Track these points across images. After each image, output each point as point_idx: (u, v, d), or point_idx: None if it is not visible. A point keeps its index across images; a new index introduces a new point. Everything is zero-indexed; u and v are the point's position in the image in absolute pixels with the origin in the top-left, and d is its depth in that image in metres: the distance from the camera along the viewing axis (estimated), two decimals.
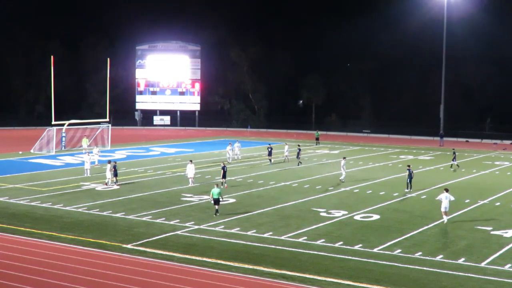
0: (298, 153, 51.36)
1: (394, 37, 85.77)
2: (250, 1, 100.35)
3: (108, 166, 38.70)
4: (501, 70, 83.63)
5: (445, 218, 28.95)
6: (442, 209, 28.85)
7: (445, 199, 28.79)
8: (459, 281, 20.47)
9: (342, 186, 39.28)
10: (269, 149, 51.12)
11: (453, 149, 52.98)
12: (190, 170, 38.82)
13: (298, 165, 49.67)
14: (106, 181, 38.66)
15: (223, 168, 38.69)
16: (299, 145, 54.81)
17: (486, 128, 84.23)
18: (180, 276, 20.59)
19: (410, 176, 37.52)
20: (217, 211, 29.65)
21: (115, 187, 37.78)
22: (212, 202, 29.82)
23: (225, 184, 38.46)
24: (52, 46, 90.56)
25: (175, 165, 48.82)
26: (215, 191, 29.56)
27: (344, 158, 43.72)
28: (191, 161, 39.82)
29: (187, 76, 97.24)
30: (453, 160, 49.84)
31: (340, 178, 41.15)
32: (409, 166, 38.71)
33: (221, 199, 29.97)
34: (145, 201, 33.57)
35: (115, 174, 38.36)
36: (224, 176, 38.45)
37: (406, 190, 37.41)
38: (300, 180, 41.61)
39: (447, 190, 29.22)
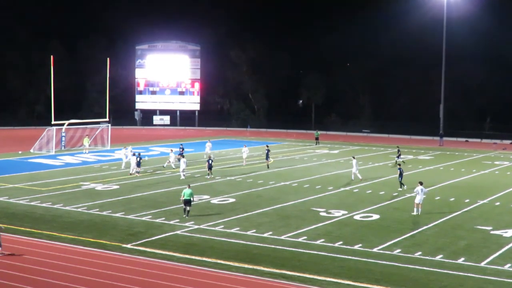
0: (267, 155, 47.65)
1: (394, 37, 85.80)
2: (250, 1, 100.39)
3: (133, 158, 43.17)
4: (501, 70, 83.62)
5: (419, 211, 30.39)
6: (417, 201, 30.48)
7: (420, 191, 30.43)
8: (459, 281, 20.48)
9: (342, 186, 39.31)
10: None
11: (397, 146, 55.28)
12: (182, 165, 41.71)
13: (268, 167, 46.72)
14: (131, 171, 43.08)
15: (208, 161, 42.35)
16: (267, 146, 50.41)
17: (485, 128, 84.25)
18: (180, 276, 20.60)
19: (401, 175, 38.08)
20: (187, 212, 29.13)
21: (135, 174, 42.74)
22: (182, 202, 29.34)
23: (211, 175, 41.88)
24: (51, 46, 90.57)
25: (175, 165, 48.75)
26: (187, 191, 29.19)
27: (354, 157, 43.58)
28: (183, 156, 43.70)
29: (187, 76, 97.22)
30: (397, 158, 50.69)
31: (359, 178, 41.44)
32: (399, 165, 39.77)
33: (192, 200, 29.49)
34: (145, 201, 33.58)
35: (138, 165, 42.89)
36: (209, 168, 41.82)
37: (400, 189, 37.58)
38: (300, 180, 41.61)
39: (421, 183, 30.82)
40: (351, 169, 42.21)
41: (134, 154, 43.58)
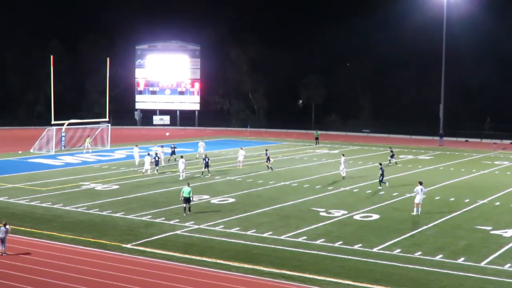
0: (267, 157, 46.65)
1: (393, 37, 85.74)
2: (250, 1, 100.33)
3: (148, 158, 43.06)
4: (501, 70, 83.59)
5: (419, 211, 30.42)
6: (417, 201, 30.53)
7: (420, 191, 30.49)
8: (459, 281, 20.49)
9: (342, 186, 39.32)
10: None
11: (390, 147, 55.54)
12: (181, 165, 41.15)
13: (270, 169, 45.66)
14: (143, 170, 43.23)
15: (204, 159, 42.68)
16: (266, 149, 49.59)
17: (485, 127, 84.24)
18: (180, 276, 20.61)
19: (383, 174, 38.50)
20: (187, 209, 29.67)
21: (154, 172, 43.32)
22: (182, 200, 29.76)
23: (209, 174, 42.08)
24: (51, 46, 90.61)
25: (175, 164, 48.75)
26: (186, 189, 29.65)
27: (343, 155, 44.63)
28: (181, 156, 43.36)
29: (187, 76, 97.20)
30: (391, 157, 51.23)
31: (343, 176, 42.40)
32: (381, 164, 40.03)
33: (192, 198, 29.91)
34: (145, 201, 33.59)
35: (157, 164, 43.62)
36: (206, 166, 42.20)
37: (379, 188, 38.07)
38: (300, 180, 41.62)
39: (421, 183, 30.90)
40: (344, 168, 42.46)
41: (148, 154, 44.11)
